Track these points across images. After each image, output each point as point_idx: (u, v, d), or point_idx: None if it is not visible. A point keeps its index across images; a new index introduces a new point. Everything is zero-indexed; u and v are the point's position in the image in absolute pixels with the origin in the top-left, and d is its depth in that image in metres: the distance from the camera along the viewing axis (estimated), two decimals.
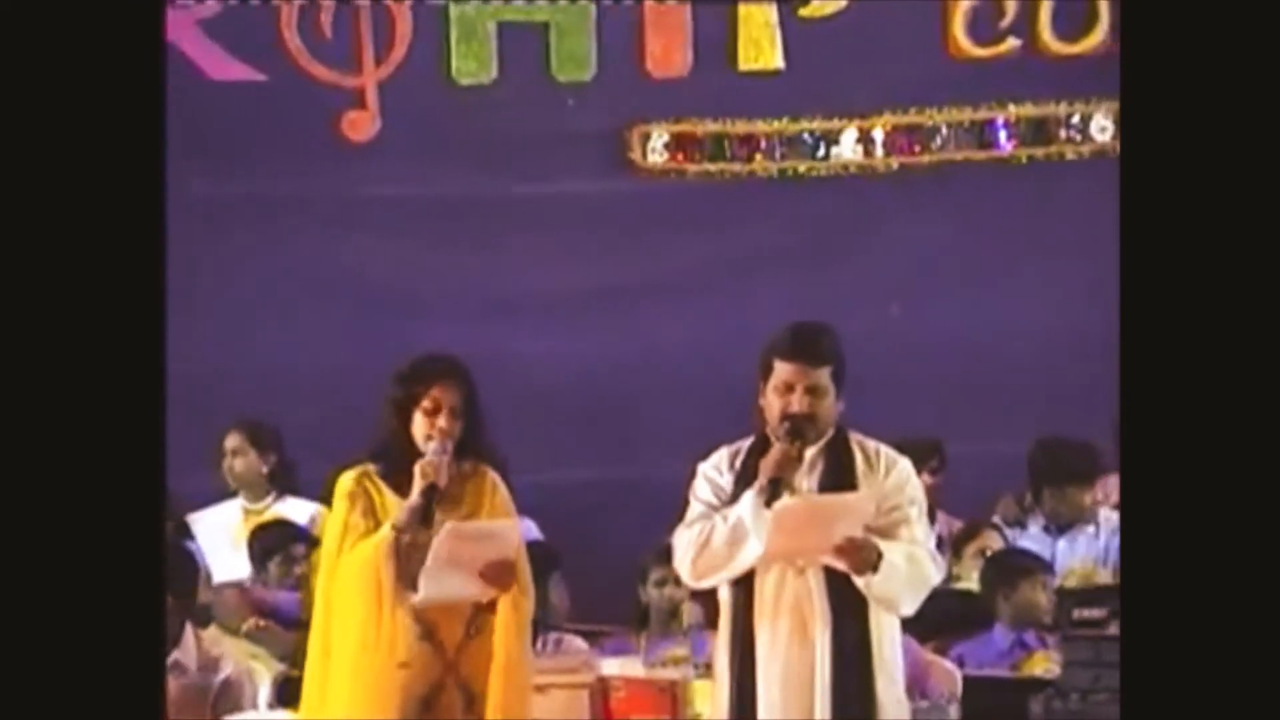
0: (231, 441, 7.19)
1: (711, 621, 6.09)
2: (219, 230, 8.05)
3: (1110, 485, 7.13)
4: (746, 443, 5.06)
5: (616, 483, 8.06)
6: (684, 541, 5.00)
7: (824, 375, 5.01)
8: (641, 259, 8.31)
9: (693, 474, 5.21)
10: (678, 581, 6.51)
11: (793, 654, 4.94)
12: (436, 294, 8.14)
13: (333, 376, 7.74)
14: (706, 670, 6.08)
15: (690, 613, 6.57)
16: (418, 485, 4.90)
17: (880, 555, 4.89)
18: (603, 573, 6.89)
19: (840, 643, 4.92)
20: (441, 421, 4.93)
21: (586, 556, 7.37)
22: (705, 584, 5.05)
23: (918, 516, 5.05)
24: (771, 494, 4.90)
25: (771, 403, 5.01)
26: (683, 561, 5.01)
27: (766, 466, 4.93)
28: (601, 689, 5.50)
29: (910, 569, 4.95)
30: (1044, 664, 6.21)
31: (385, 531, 4.88)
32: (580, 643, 6.34)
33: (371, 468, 4.99)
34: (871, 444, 5.09)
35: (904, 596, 4.98)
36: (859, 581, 4.91)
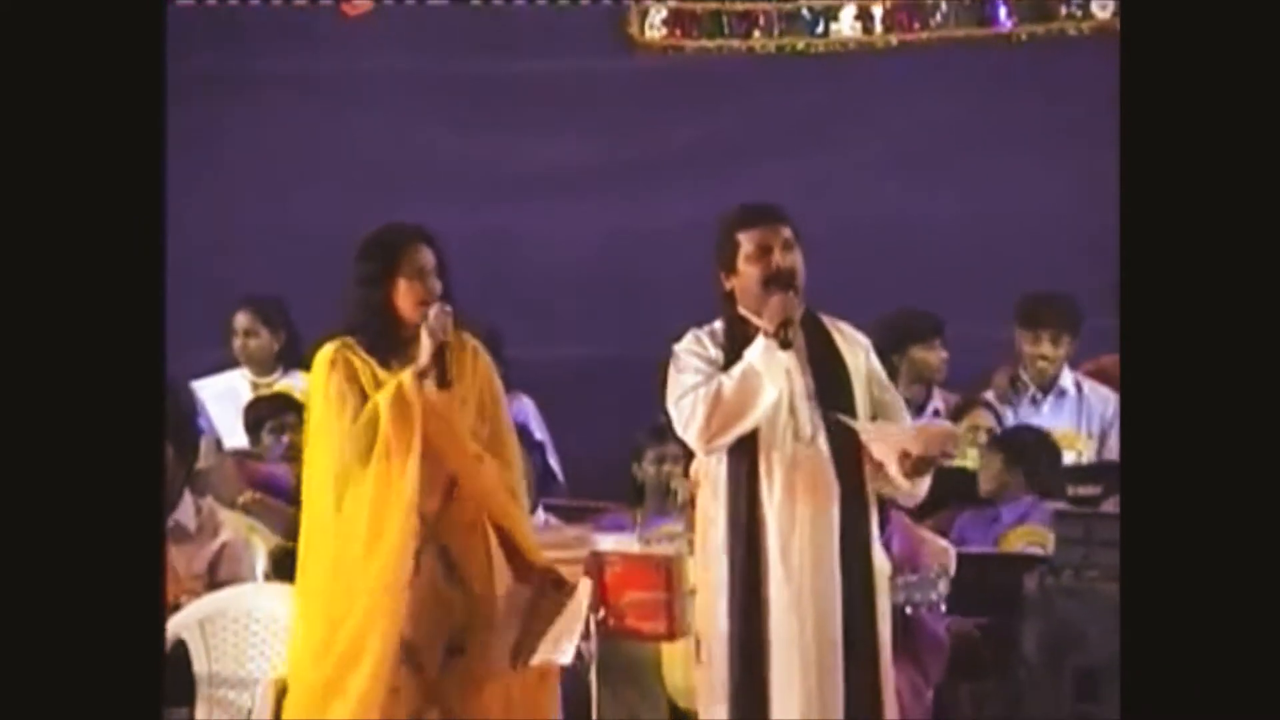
0: (242, 321, 7.21)
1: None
2: (218, 105, 8.02)
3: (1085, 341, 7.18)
4: (716, 324, 5.06)
5: (613, 360, 8.06)
6: (688, 406, 4.95)
7: (787, 230, 5.03)
8: (639, 135, 8.28)
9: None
10: (673, 459, 6.56)
11: (808, 528, 4.94)
12: (434, 170, 8.11)
13: (330, 251, 7.71)
14: None
15: (685, 489, 6.59)
16: (427, 347, 4.87)
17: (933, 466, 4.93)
18: (599, 450, 6.91)
19: (846, 512, 4.94)
20: (429, 283, 4.91)
21: (582, 433, 7.39)
22: (720, 443, 4.96)
23: (900, 404, 5.11)
24: (786, 336, 4.89)
25: (748, 273, 4.99)
26: (690, 425, 4.95)
27: (774, 312, 4.91)
28: (597, 564, 5.49)
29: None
30: (1029, 537, 6.25)
31: (404, 380, 4.85)
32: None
33: (351, 340, 4.96)
34: (840, 323, 5.11)
35: (923, 489, 5.03)
36: (902, 483, 4.93)
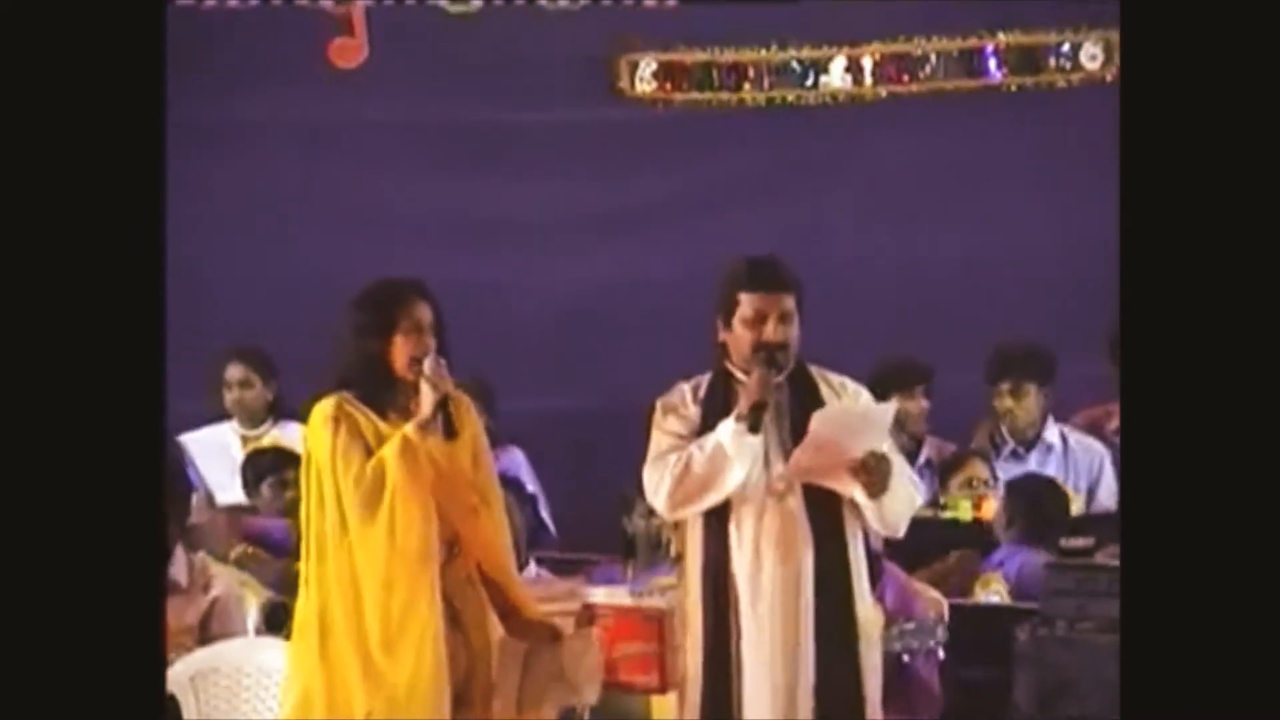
0: (236, 372, 7.19)
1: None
2: (208, 154, 8.03)
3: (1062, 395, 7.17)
4: (705, 377, 5.06)
5: (601, 412, 8.06)
6: (656, 474, 4.99)
7: (789, 300, 5.03)
8: (628, 187, 8.30)
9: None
10: None
11: (776, 580, 4.94)
12: (422, 220, 8.13)
13: (317, 302, 7.73)
14: None
15: (676, 542, 6.58)
16: (429, 398, 4.87)
17: (892, 471, 4.90)
18: (589, 502, 6.90)
19: (822, 565, 4.93)
20: (426, 339, 4.92)
21: (572, 485, 7.39)
22: (680, 514, 5.03)
23: (891, 445, 5.06)
24: (754, 420, 4.90)
25: (741, 336, 5.00)
26: (657, 494, 5.00)
27: (748, 393, 4.92)
28: (589, 617, 5.49)
29: (905, 489, 4.98)
30: (990, 585, 6.26)
31: (410, 432, 4.85)
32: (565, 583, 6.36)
33: (347, 394, 4.96)
34: (833, 375, 5.10)
35: (903, 517, 5.01)
36: (864, 502, 4.92)
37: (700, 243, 8.16)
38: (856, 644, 4.96)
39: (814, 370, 5.09)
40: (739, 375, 5.02)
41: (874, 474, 4.89)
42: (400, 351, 4.93)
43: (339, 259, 7.79)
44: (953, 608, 5.83)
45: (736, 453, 4.91)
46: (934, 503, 6.80)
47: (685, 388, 5.08)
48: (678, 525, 6.41)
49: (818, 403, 5.01)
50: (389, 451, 4.85)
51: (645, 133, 8.34)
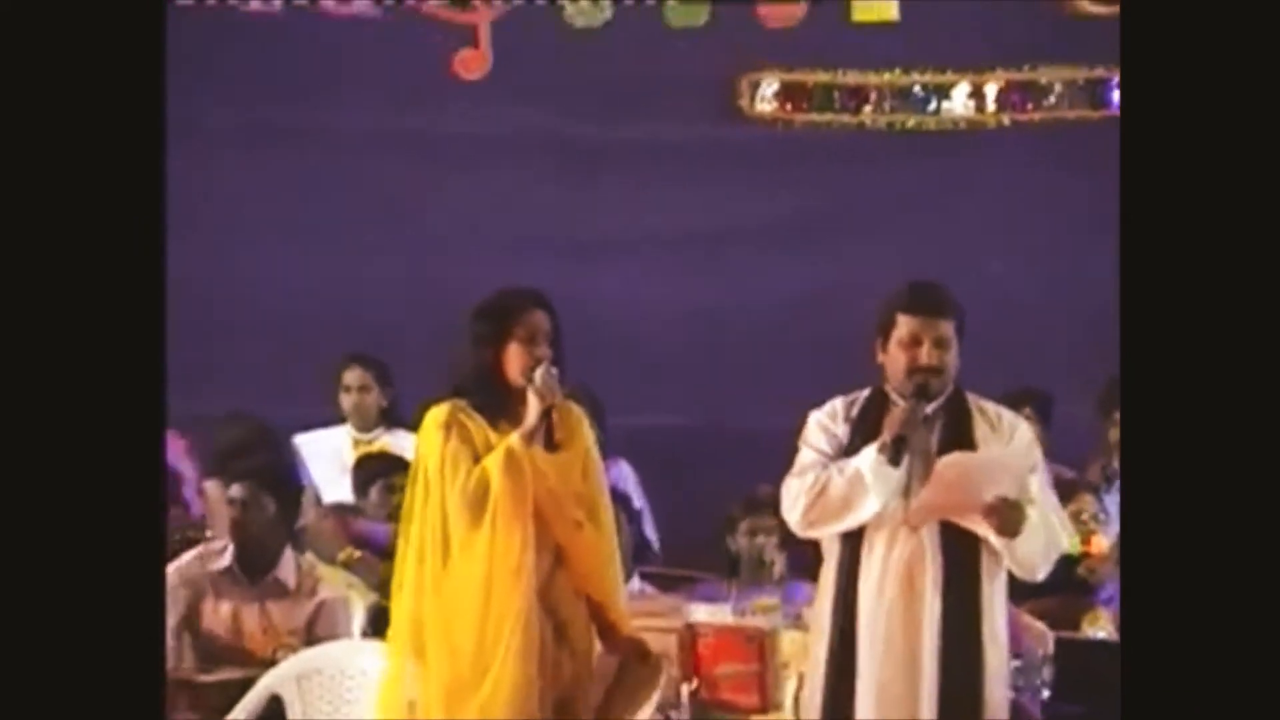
0: (353, 377, 7.23)
1: (806, 573, 6.11)
2: (330, 163, 8.11)
3: None
4: (863, 394, 5.01)
5: (708, 430, 8.07)
6: (795, 489, 4.94)
7: (948, 327, 4.97)
8: (745, 207, 8.30)
9: (789, 426, 5.21)
10: (767, 532, 6.55)
11: (898, 614, 4.89)
12: (540, 233, 8.16)
13: (433, 312, 7.79)
14: (796, 620, 6.09)
15: (780, 563, 6.58)
16: (535, 408, 4.89)
17: (1026, 518, 4.85)
18: (693, 520, 6.90)
19: (950, 606, 4.87)
20: (540, 349, 4.93)
21: (677, 503, 7.39)
22: (812, 534, 4.98)
23: (1044, 482, 4.99)
24: (895, 452, 4.85)
25: (896, 357, 4.96)
26: (793, 509, 4.95)
27: (892, 424, 4.88)
28: (690, 635, 5.50)
29: (1047, 534, 4.91)
30: (1100, 620, 6.20)
31: (514, 443, 4.87)
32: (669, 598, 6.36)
33: (461, 402, 4.97)
34: (990, 405, 5.03)
35: (1041, 562, 4.94)
36: (998, 544, 4.86)
37: (814, 264, 8.17)
38: (980, 684, 4.88)
39: (971, 399, 5.02)
40: (894, 397, 4.98)
41: (1003, 519, 4.83)
42: (514, 360, 4.93)
43: (456, 270, 7.84)
44: (1058, 642, 5.78)
45: (874, 483, 4.86)
46: None
47: (839, 404, 5.03)
48: (784, 545, 6.47)
49: (969, 433, 4.95)
50: (493, 461, 4.87)
51: (764, 153, 8.33)
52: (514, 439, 4.88)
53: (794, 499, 4.95)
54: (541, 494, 4.88)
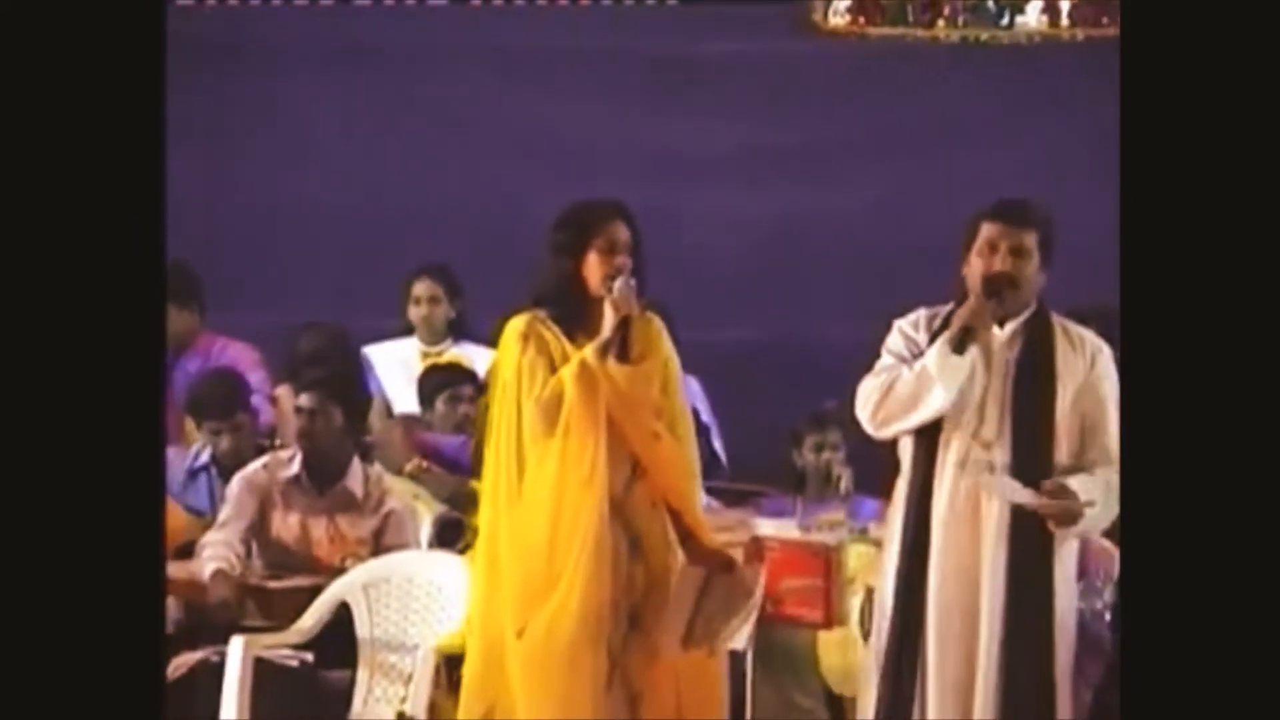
0: (424, 288, 7.25)
1: (873, 488, 6.10)
2: (395, 78, 8.11)
3: None
4: (946, 307, 5.00)
5: (777, 345, 8.05)
6: (868, 388, 4.94)
7: (1029, 238, 4.94)
8: (818, 121, 8.24)
9: (858, 341, 5.20)
10: (833, 447, 6.55)
11: (964, 531, 4.89)
12: (611, 149, 8.13)
13: (505, 226, 7.79)
14: (862, 535, 6.10)
15: (847, 478, 6.57)
16: (610, 319, 4.90)
17: (1079, 518, 4.83)
18: (760, 435, 6.90)
19: (1018, 524, 4.85)
20: (618, 259, 4.92)
21: (745, 417, 7.39)
22: (885, 432, 4.96)
23: (1113, 419, 4.92)
24: (960, 342, 4.84)
25: (974, 264, 4.94)
26: (864, 408, 4.94)
27: (959, 315, 4.87)
28: (756, 549, 5.50)
29: (1107, 498, 4.85)
30: None
31: (588, 355, 4.87)
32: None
33: (540, 313, 4.98)
34: (1074, 326, 5.00)
35: (1100, 525, 4.94)
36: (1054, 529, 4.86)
37: (886, 179, 8.12)
38: (1050, 599, 4.87)
39: (1056, 320, 5.00)
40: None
41: (1060, 513, 4.84)
42: (594, 270, 4.94)
43: (530, 185, 7.84)
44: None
45: (940, 373, 4.85)
46: None
47: (923, 314, 5.02)
48: (851, 460, 6.46)
49: (1050, 353, 4.93)
50: (567, 372, 4.88)
51: (838, 66, 8.28)
52: (588, 351, 4.90)
53: (865, 398, 4.96)
54: (616, 405, 4.90)
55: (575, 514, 4.86)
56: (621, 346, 4.93)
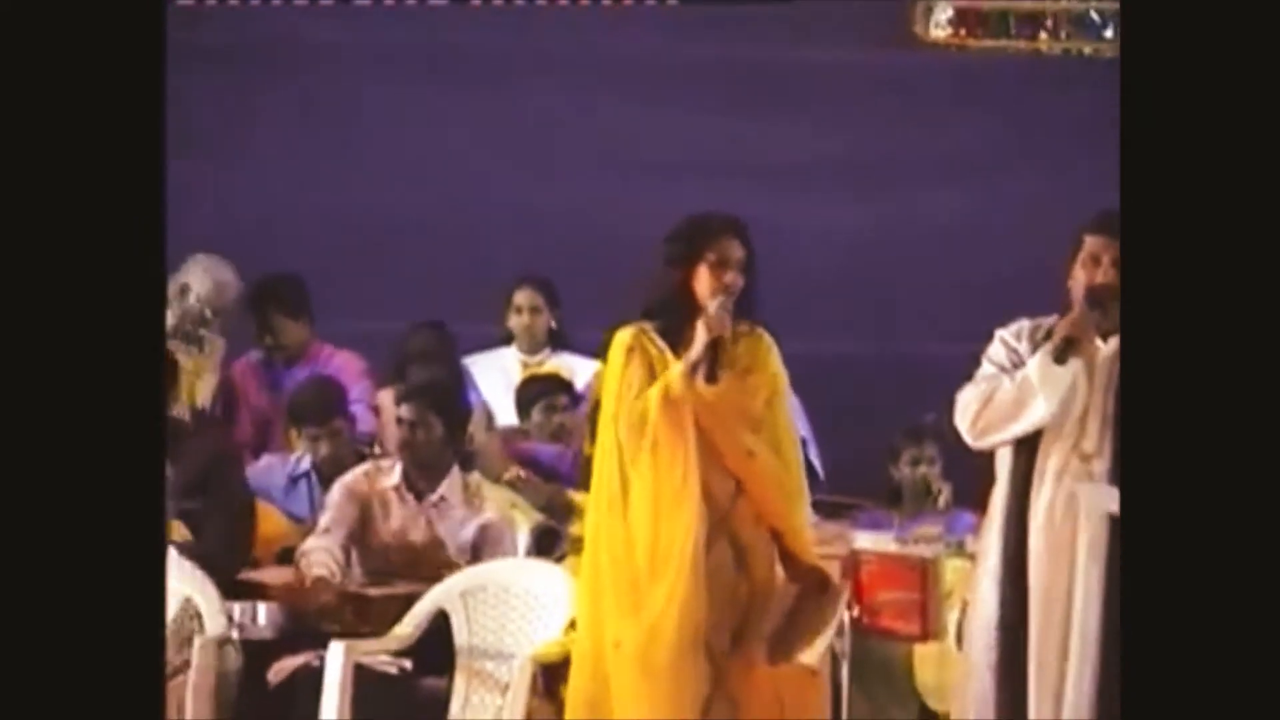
0: (524, 298, 7.27)
1: (971, 502, 6.08)
2: (495, 91, 8.16)
3: None
4: (1050, 318, 5.00)
5: (875, 359, 8.04)
6: (968, 397, 4.92)
7: None
8: (918, 133, 8.23)
9: (956, 354, 5.19)
10: (930, 461, 6.53)
11: (1062, 544, 4.86)
12: (711, 159, 8.15)
13: (600, 238, 7.83)
14: (959, 549, 6.08)
15: (945, 492, 6.56)
16: (701, 339, 4.90)
17: None
18: (858, 448, 6.90)
19: (1115, 541, 4.79)
20: (729, 276, 4.93)
21: (843, 430, 7.38)
22: (985, 443, 4.93)
23: None
24: (1062, 353, 4.82)
25: (1078, 277, 4.92)
26: (964, 417, 4.92)
27: (1062, 326, 4.86)
28: (853, 561, 5.50)
29: None
30: None
31: (674, 377, 4.89)
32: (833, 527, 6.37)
33: (647, 325, 5.00)
34: None
35: None
36: None
37: (987, 193, 8.09)
38: None
39: None
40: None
41: None
42: (704, 283, 4.94)
43: (630, 195, 7.87)
44: None
45: (1041, 383, 4.83)
46: None
47: (1026, 324, 5.00)
48: (949, 475, 6.43)
49: None
50: (654, 389, 4.90)
51: (938, 79, 8.26)
52: (673, 373, 4.90)
53: (964, 407, 4.94)
54: (708, 422, 4.90)
55: (671, 527, 4.88)
56: (715, 364, 4.92)
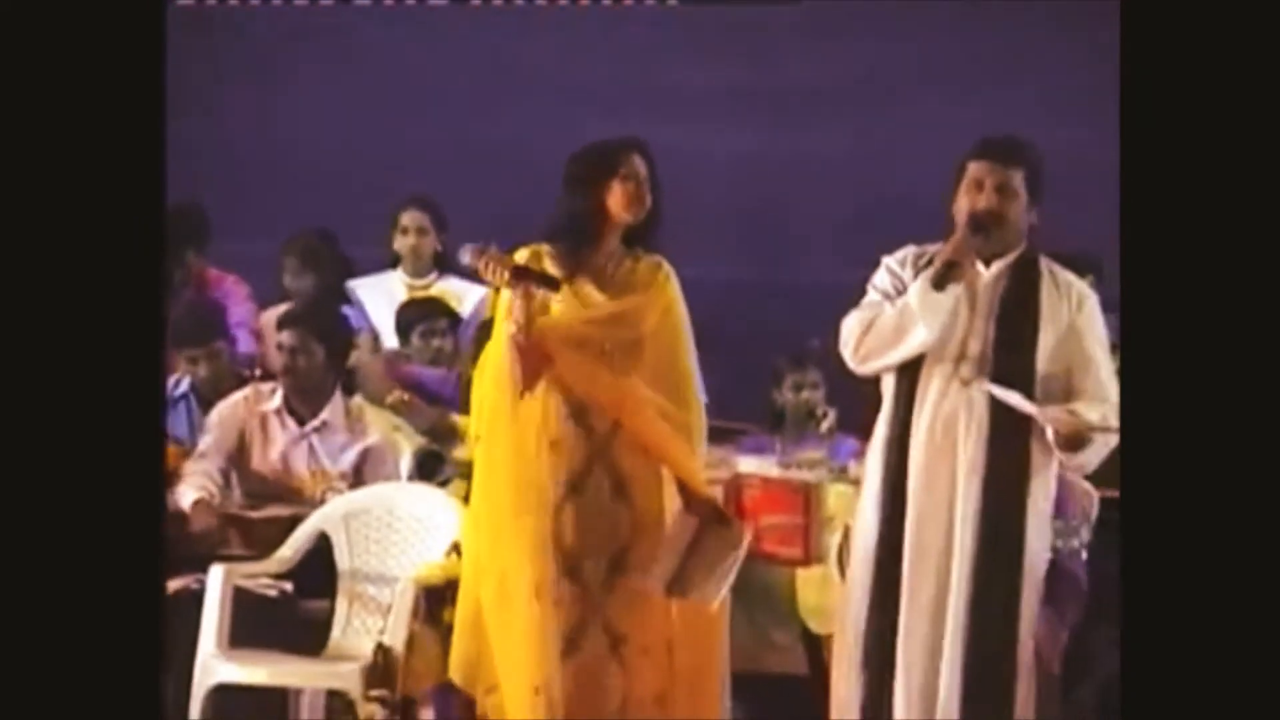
0: (412, 218, 7.22)
1: (853, 428, 6.11)
2: (389, 32, 8.09)
3: None
4: (934, 246, 5.01)
5: (758, 284, 8.05)
6: (851, 323, 4.95)
7: (1015, 176, 4.94)
8: (807, 61, 8.22)
9: (840, 281, 5.20)
10: (814, 386, 6.56)
11: (940, 466, 4.90)
12: (601, 86, 8.11)
13: (491, 162, 7.79)
14: (841, 474, 6.12)
15: (828, 418, 6.59)
16: (505, 299, 4.84)
17: (1087, 443, 4.83)
18: (742, 373, 6.91)
19: (994, 462, 4.86)
20: (640, 190, 4.92)
21: (726, 355, 7.39)
22: (867, 368, 4.96)
23: (1104, 361, 4.94)
24: (943, 279, 4.83)
25: (960, 203, 4.94)
26: (847, 344, 4.95)
27: (943, 251, 4.87)
28: (736, 485, 5.52)
29: (1103, 440, 4.86)
30: None
31: (499, 349, 4.89)
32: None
33: (546, 247, 4.97)
34: (1062, 271, 4.99)
35: (1093, 463, 4.94)
36: (1057, 452, 4.86)
37: (873, 122, 8.09)
38: (1021, 539, 4.87)
39: (1044, 263, 4.99)
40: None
41: (1068, 435, 4.82)
42: (617, 198, 4.91)
43: (512, 122, 7.82)
44: (1104, 499, 5.78)
45: (922, 309, 4.85)
46: None
47: (911, 251, 5.01)
48: (831, 399, 6.47)
49: (1035, 296, 4.93)
50: (524, 318, 4.84)
51: (831, 7, 8.25)
52: (499, 343, 4.85)
53: (847, 334, 4.96)
54: (579, 351, 4.86)
55: (535, 463, 4.86)
56: (525, 315, 4.82)
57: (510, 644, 4.85)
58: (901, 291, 4.95)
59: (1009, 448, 4.89)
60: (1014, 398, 4.84)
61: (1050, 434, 4.85)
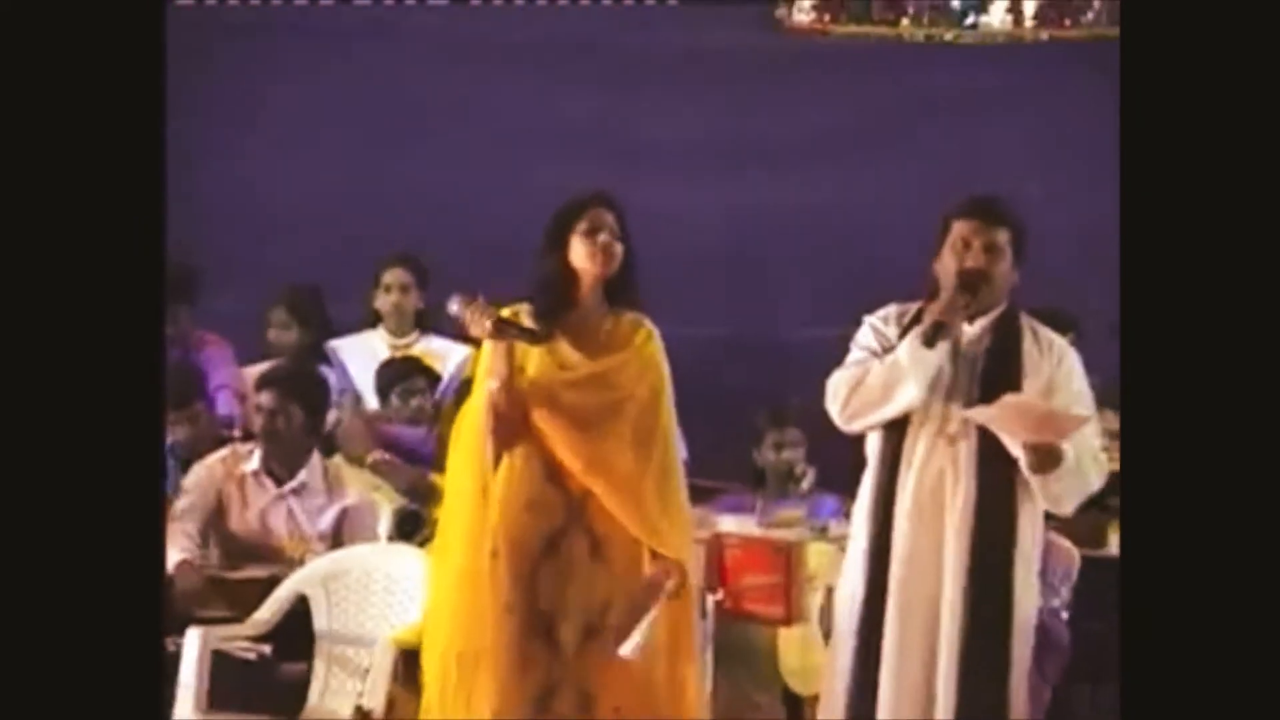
0: (392, 276, 7.20)
1: (834, 486, 6.11)
2: (361, 69, 8.10)
3: None
4: (916, 304, 5.01)
5: (740, 341, 8.06)
6: (838, 381, 4.94)
7: (1001, 235, 4.95)
8: (782, 118, 8.25)
9: (820, 339, 5.20)
10: (794, 445, 6.55)
11: (929, 526, 4.89)
12: (577, 142, 8.12)
13: (469, 216, 7.80)
14: (822, 533, 6.11)
15: (808, 476, 6.58)
16: (488, 353, 4.79)
17: (1062, 461, 4.83)
18: (722, 431, 6.90)
19: (982, 520, 4.85)
20: (602, 238, 4.83)
21: (707, 413, 7.38)
22: (855, 426, 4.95)
23: (1087, 414, 4.94)
24: (931, 336, 4.85)
25: (946, 261, 4.95)
26: (835, 401, 4.94)
27: (932, 310, 4.87)
28: (717, 545, 5.50)
29: (1080, 475, 4.88)
30: None
31: (479, 406, 4.83)
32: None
33: (524, 307, 4.91)
34: (1044, 329, 5.01)
35: (1070, 499, 4.93)
36: (1030, 477, 4.86)
37: (851, 177, 8.12)
38: (1009, 598, 4.85)
39: (1025, 321, 5.01)
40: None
41: (1039, 457, 4.81)
42: (579, 252, 4.82)
43: (489, 174, 7.83)
44: (1085, 560, 5.78)
45: (911, 367, 4.85)
46: None
47: (893, 309, 5.03)
48: (812, 459, 6.46)
49: (1017, 352, 4.94)
50: (466, 417, 4.82)
51: (802, 64, 8.28)
52: (529, 362, 4.81)
53: (834, 392, 4.96)
54: (557, 415, 4.79)
55: (506, 525, 4.81)
56: (606, 350, 4.81)
57: (480, 705, 4.79)
58: (888, 349, 4.95)
59: (996, 506, 4.89)
60: (984, 414, 4.84)
61: (1022, 460, 4.85)
